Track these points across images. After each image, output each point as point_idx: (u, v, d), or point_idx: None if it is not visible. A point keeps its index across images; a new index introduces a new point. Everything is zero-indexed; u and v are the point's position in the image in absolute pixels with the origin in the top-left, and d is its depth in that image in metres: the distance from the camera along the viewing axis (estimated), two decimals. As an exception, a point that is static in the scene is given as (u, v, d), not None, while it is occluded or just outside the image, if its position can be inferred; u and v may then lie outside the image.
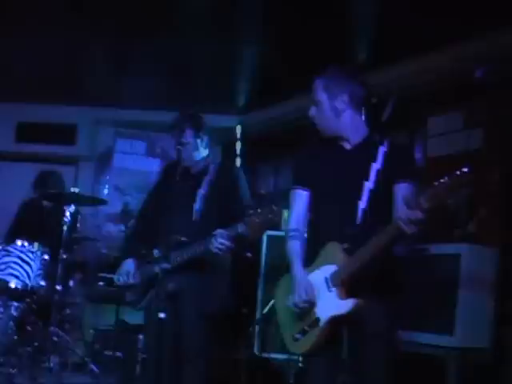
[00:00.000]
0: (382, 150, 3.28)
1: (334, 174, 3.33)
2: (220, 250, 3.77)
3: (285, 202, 3.56)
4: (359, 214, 3.22)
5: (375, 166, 3.24)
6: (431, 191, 2.77)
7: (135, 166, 8.15)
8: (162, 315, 3.60)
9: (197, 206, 4.11)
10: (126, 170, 8.08)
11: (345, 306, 3.11)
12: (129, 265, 4.23)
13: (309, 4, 5.16)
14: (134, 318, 6.19)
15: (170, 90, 7.33)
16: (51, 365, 5.53)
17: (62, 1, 5.44)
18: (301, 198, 3.44)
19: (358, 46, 5.83)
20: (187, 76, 6.88)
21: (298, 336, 3.25)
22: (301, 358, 3.43)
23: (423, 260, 4.52)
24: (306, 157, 3.56)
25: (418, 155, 5.67)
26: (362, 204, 3.22)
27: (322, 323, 3.17)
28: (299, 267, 3.32)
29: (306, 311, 3.23)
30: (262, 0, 5.37)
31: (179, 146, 4.24)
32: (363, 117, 3.41)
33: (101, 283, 6.87)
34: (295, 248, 3.39)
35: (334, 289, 3.17)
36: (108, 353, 6.10)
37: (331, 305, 3.16)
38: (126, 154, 8.24)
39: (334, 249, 3.21)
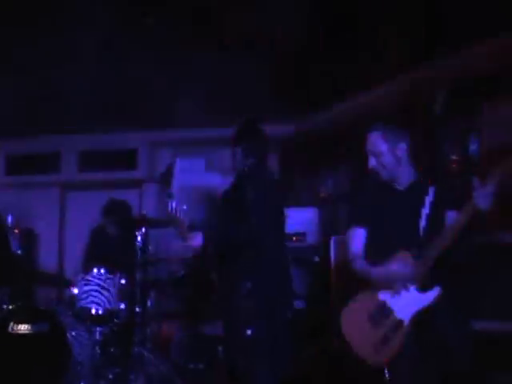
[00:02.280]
0: (431, 189, 3.63)
1: (393, 207, 3.69)
2: None
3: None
4: (421, 230, 3.54)
5: (428, 199, 3.59)
6: (500, 165, 3.19)
7: (196, 183, 8.28)
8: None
9: None
10: (188, 187, 8.22)
11: (429, 296, 3.38)
12: None
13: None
14: (211, 329, 6.39)
15: (223, 106, 7.37)
16: (139, 383, 5.66)
17: (112, 27, 5.57)
18: (359, 235, 3.80)
19: (409, 40, 5.76)
20: (237, 90, 6.94)
21: (379, 346, 3.42)
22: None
23: (499, 249, 4.55)
24: (360, 199, 3.98)
25: (474, 144, 5.70)
26: (422, 223, 3.54)
27: (406, 322, 3.39)
28: (374, 268, 3.60)
29: (381, 321, 3.46)
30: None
31: None
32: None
33: (173, 299, 7.04)
34: (363, 265, 3.70)
35: (412, 287, 3.44)
36: (191, 366, 6.24)
37: (413, 301, 3.42)
38: (186, 171, 8.40)
39: (403, 256, 3.48)
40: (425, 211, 3.56)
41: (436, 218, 3.55)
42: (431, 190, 3.63)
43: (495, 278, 4.44)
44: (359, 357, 3.49)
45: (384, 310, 3.46)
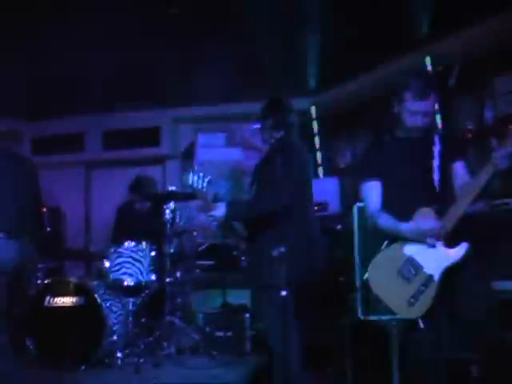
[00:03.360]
0: (437, 137, 3.77)
1: (406, 161, 3.78)
2: None
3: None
4: (436, 183, 3.65)
5: (436, 148, 3.70)
6: None
7: (218, 157, 8.43)
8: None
9: None
10: (210, 161, 8.37)
11: (457, 252, 3.49)
12: None
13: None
14: (237, 299, 6.58)
15: (243, 82, 7.52)
16: (170, 351, 5.85)
17: (130, 10, 5.66)
18: (375, 187, 3.86)
19: (421, 15, 5.86)
20: (258, 67, 7.03)
21: (412, 300, 3.52)
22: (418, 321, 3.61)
23: (506, 214, 4.62)
24: (372, 155, 4.06)
25: (488, 114, 5.82)
26: (436, 176, 3.65)
27: (437, 277, 3.50)
28: (404, 224, 3.65)
29: (411, 276, 3.56)
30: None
31: None
32: None
33: (200, 270, 7.20)
34: (387, 220, 3.74)
35: (439, 243, 3.54)
36: (219, 333, 6.32)
37: (442, 257, 3.52)
38: (208, 146, 8.55)
39: (427, 212, 3.57)
40: (436, 163, 3.68)
41: (446, 171, 3.68)
42: (437, 140, 3.75)
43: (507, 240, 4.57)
44: (393, 311, 3.59)
45: (413, 266, 3.57)
